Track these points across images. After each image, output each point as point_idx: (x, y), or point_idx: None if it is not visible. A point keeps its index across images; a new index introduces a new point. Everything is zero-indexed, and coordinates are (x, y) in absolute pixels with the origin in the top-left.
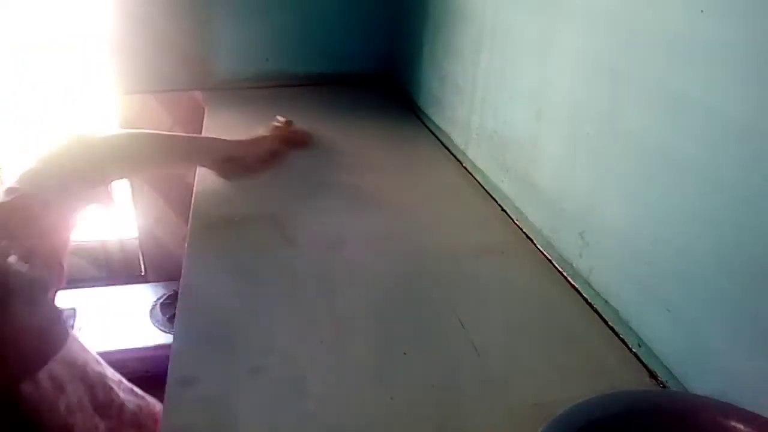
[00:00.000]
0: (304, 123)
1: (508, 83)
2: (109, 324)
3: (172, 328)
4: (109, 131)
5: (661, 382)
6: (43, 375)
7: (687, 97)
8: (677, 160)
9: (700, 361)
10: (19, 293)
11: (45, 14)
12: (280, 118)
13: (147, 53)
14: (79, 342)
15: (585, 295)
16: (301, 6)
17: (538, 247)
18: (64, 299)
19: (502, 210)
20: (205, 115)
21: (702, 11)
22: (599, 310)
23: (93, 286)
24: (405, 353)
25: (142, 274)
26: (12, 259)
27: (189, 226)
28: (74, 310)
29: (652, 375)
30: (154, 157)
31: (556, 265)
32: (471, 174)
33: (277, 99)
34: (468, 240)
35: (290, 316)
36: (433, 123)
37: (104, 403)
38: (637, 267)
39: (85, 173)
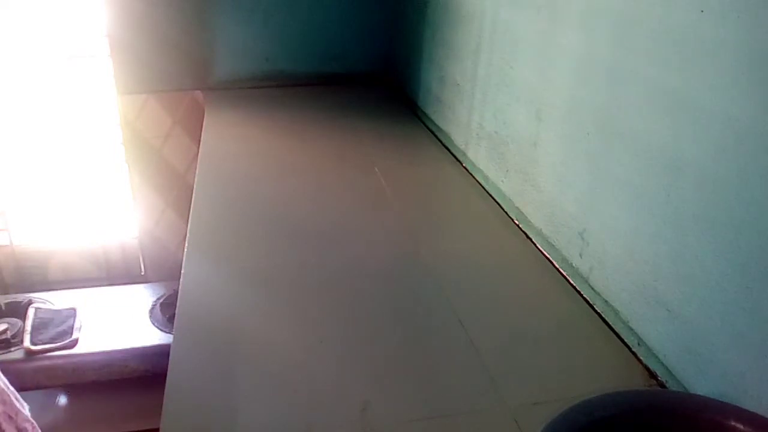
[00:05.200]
0: (303, 123)
1: (508, 83)
2: (109, 324)
3: (172, 328)
4: None
5: (661, 382)
6: None
7: (687, 97)
8: (677, 160)
9: (700, 361)
10: None
11: (45, 15)
12: None
13: (147, 53)
14: None
15: (585, 295)
16: (300, 6)
17: (538, 247)
18: (64, 299)
19: (502, 210)
20: (205, 115)
21: (702, 11)
22: (599, 309)
23: (93, 286)
24: (404, 352)
25: (142, 274)
26: None
27: (189, 226)
28: (74, 310)
29: (652, 375)
30: None
31: (556, 265)
32: (471, 174)
33: (276, 99)
34: (468, 240)
35: (290, 315)
36: (433, 123)
37: None
38: (637, 267)
39: None
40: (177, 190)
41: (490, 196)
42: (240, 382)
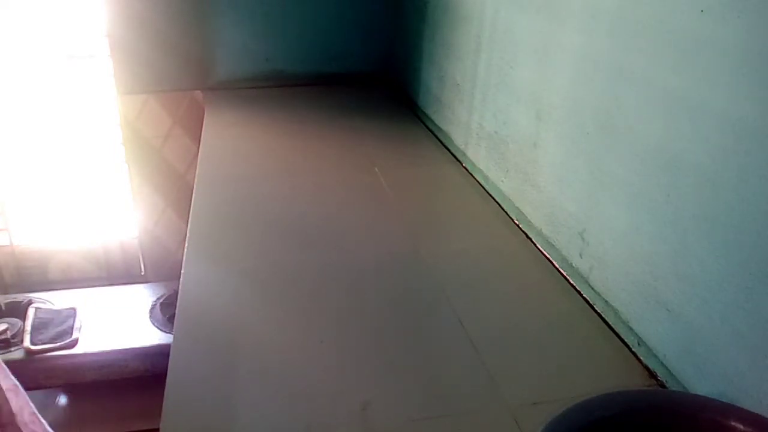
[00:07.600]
0: (303, 123)
1: (508, 83)
2: (109, 324)
3: (172, 328)
4: None
5: (661, 382)
6: None
7: (687, 96)
8: (677, 160)
9: (700, 361)
10: None
11: (45, 15)
12: None
13: (147, 53)
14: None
15: (585, 295)
16: (300, 6)
17: (538, 247)
18: (64, 299)
19: (502, 210)
20: (205, 115)
21: (702, 11)
22: (599, 310)
23: (93, 286)
24: (404, 352)
25: (142, 274)
26: None
27: (189, 226)
28: (74, 310)
29: (652, 374)
30: None
31: (556, 265)
32: (471, 174)
33: (276, 99)
34: (468, 240)
35: (289, 315)
36: (433, 123)
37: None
38: (637, 267)
39: None
40: (177, 190)
41: (490, 196)
42: (240, 382)
